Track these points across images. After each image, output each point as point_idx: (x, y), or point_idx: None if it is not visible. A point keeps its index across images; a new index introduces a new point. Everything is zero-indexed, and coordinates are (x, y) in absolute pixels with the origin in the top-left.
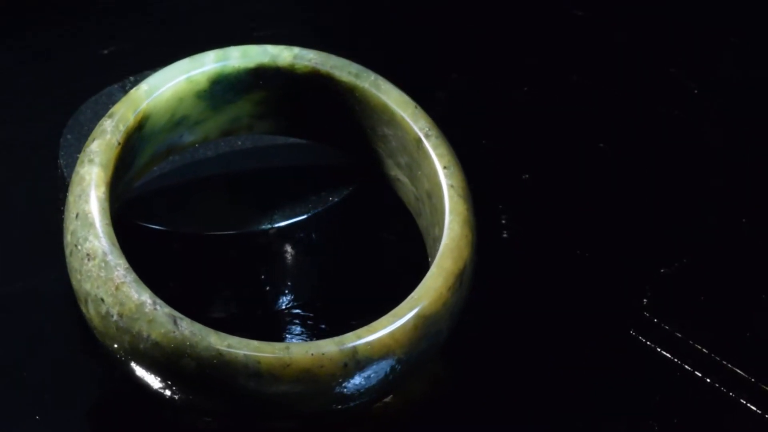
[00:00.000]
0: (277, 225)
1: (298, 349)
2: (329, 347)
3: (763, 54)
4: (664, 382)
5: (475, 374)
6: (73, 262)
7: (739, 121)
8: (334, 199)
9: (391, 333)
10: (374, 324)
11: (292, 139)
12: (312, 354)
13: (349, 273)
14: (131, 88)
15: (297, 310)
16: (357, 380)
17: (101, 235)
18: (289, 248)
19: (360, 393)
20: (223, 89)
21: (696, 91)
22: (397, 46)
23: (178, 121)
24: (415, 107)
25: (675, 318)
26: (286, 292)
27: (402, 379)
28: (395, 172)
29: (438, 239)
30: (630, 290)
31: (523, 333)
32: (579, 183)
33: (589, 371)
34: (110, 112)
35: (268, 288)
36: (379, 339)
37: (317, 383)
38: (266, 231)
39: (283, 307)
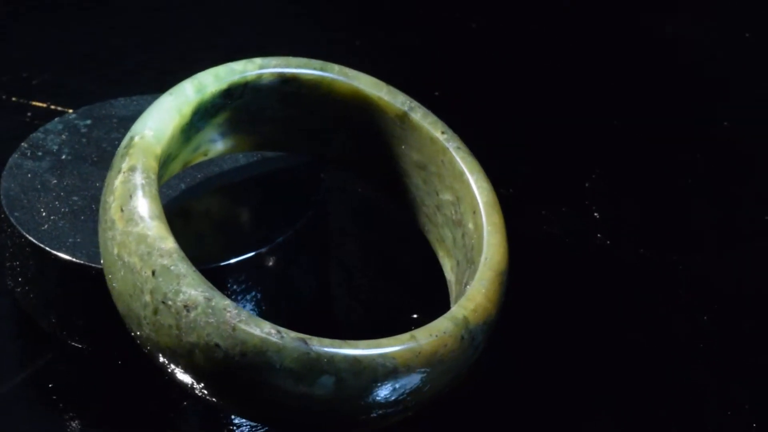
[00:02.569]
0: (242, 258)
1: (423, 335)
2: (446, 324)
3: None
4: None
5: None
6: (164, 319)
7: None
8: (293, 227)
9: (486, 295)
10: (470, 292)
11: (233, 160)
12: (436, 336)
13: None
14: (32, 153)
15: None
16: (470, 351)
17: (196, 282)
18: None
19: (471, 362)
20: (199, 118)
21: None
22: None
23: (164, 160)
24: (388, 86)
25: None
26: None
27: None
28: (365, 156)
29: (451, 204)
30: (576, 209)
31: None
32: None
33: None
34: (128, 165)
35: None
36: (480, 304)
37: (442, 363)
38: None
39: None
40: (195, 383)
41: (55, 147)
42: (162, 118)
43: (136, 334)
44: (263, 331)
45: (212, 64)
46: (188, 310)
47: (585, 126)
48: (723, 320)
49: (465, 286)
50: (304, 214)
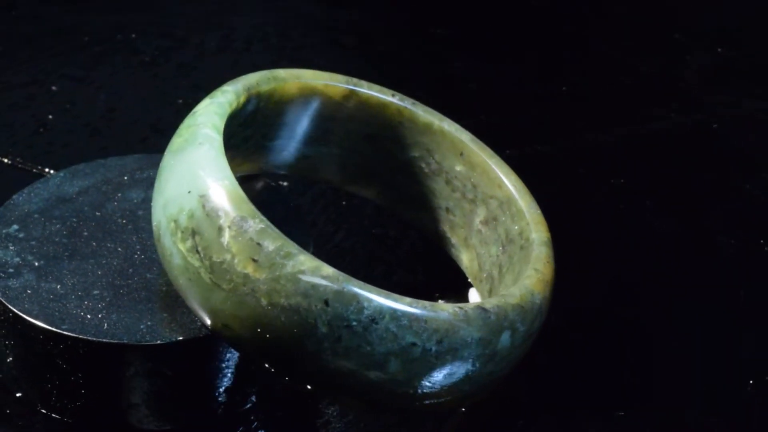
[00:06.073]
0: None
1: (539, 265)
2: (545, 250)
3: None
4: None
5: None
6: (351, 342)
7: None
8: None
9: (541, 215)
10: (534, 218)
11: None
12: (547, 262)
13: None
14: (4, 272)
15: None
16: None
17: (374, 293)
18: None
19: None
20: None
21: None
22: None
23: None
24: (330, 73)
25: None
26: None
27: None
28: (307, 150)
29: (420, 159)
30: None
31: None
32: None
33: None
34: (229, 219)
35: None
36: (545, 224)
37: (553, 284)
38: None
39: None
40: (386, 392)
41: (17, 259)
42: (221, 166)
43: (307, 375)
44: (449, 313)
45: None
46: (376, 322)
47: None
48: None
49: (489, 221)
50: (305, 221)
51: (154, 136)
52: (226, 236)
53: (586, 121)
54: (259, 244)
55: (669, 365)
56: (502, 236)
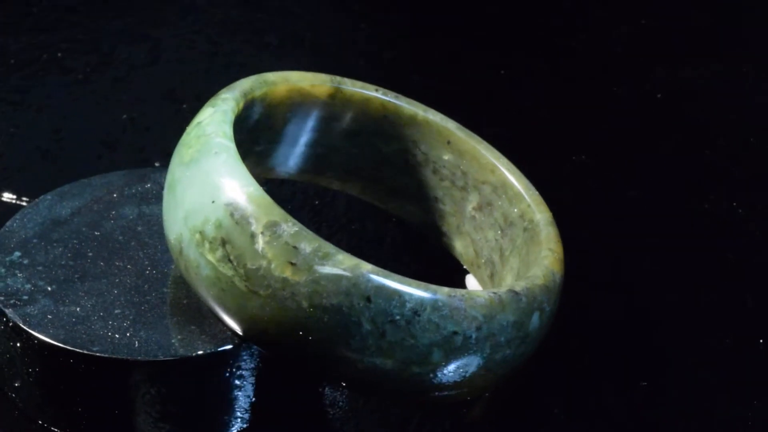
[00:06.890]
0: None
1: (551, 244)
2: (553, 229)
3: None
4: None
5: None
6: (394, 336)
7: None
8: None
9: (539, 195)
10: (534, 198)
11: None
12: (557, 240)
13: None
14: (17, 300)
15: None
16: None
17: (413, 285)
18: None
19: None
20: None
21: None
22: None
23: None
24: (313, 73)
25: None
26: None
27: None
28: (297, 151)
29: (404, 151)
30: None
31: None
32: None
33: None
34: (262, 225)
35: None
36: (544, 203)
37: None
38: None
39: None
40: (427, 383)
41: (28, 285)
42: (243, 173)
43: (349, 373)
44: (485, 299)
45: None
46: (418, 314)
47: None
48: None
49: (483, 207)
50: (307, 222)
51: (109, 153)
52: (260, 242)
53: (533, 101)
54: (295, 247)
55: (671, 330)
56: (500, 220)
